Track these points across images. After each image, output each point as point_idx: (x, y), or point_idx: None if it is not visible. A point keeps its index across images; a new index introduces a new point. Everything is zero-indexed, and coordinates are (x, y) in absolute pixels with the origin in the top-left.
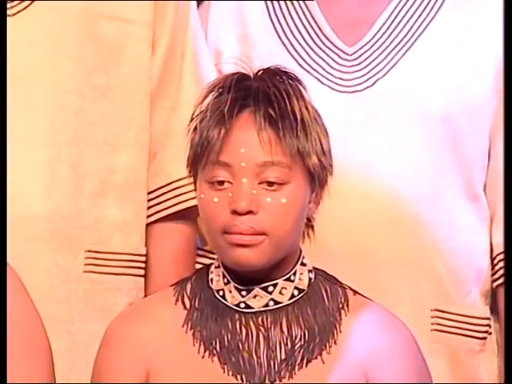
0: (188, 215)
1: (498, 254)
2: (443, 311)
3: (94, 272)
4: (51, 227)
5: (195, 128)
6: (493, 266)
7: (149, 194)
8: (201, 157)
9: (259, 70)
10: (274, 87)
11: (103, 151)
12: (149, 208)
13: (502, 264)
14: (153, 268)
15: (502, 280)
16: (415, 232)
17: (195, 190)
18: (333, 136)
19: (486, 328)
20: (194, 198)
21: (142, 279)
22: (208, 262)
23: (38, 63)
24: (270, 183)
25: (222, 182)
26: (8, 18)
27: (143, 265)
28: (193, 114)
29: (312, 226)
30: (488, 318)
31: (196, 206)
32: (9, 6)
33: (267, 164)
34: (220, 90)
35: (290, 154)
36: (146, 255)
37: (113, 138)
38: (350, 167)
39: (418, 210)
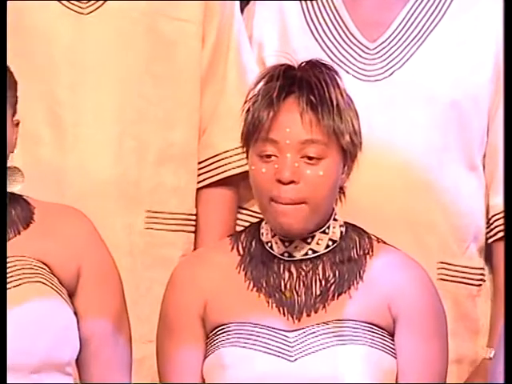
0: (231, 182)
1: (494, 215)
2: (447, 263)
3: (153, 229)
4: (118, 190)
5: (248, 109)
6: (489, 224)
7: (199, 163)
8: (252, 133)
9: (302, 62)
10: (315, 77)
11: (162, 128)
12: (199, 175)
13: (497, 223)
14: (201, 226)
15: (497, 237)
16: (426, 197)
17: (247, 162)
18: None
19: (481, 276)
20: (236, 168)
21: (193, 235)
22: (247, 218)
23: (107, 55)
24: (310, 158)
25: (269, 156)
26: (81, 16)
27: (194, 223)
28: (246, 97)
29: (344, 193)
30: (482, 268)
31: (237, 174)
32: (84, 5)
33: (308, 142)
34: (270, 77)
35: (327, 133)
36: (196, 215)
37: (169, 116)
38: (372, 143)
39: (428, 178)
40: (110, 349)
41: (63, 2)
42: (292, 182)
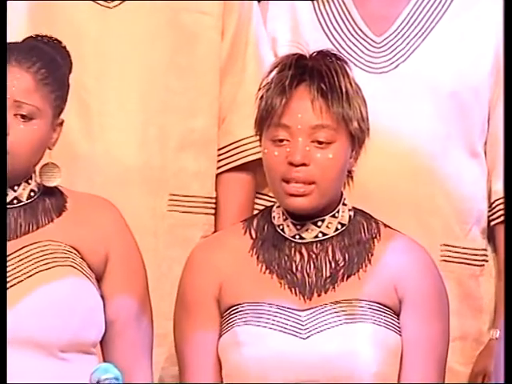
0: (249, 168)
1: (496, 200)
2: (450, 245)
3: (175, 211)
4: (143, 175)
5: (262, 96)
6: (491, 208)
7: (218, 150)
8: (266, 119)
9: (314, 52)
10: (326, 66)
11: (184, 116)
12: (218, 161)
13: (499, 207)
14: (220, 208)
15: (499, 219)
16: (430, 182)
17: (260, 146)
18: None
19: (484, 257)
20: (254, 154)
21: (213, 217)
22: (264, 202)
23: (132, 47)
24: (320, 142)
25: (281, 140)
26: (107, 10)
27: (214, 205)
28: (260, 84)
29: (352, 177)
30: (485, 249)
31: (255, 160)
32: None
33: (318, 127)
34: (282, 66)
35: (336, 119)
36: (216, 198)
37: (191, 105)
38: (379, 131)
39: (432, 165)
40: (133, 330)
41: None
42: (303, 164)
